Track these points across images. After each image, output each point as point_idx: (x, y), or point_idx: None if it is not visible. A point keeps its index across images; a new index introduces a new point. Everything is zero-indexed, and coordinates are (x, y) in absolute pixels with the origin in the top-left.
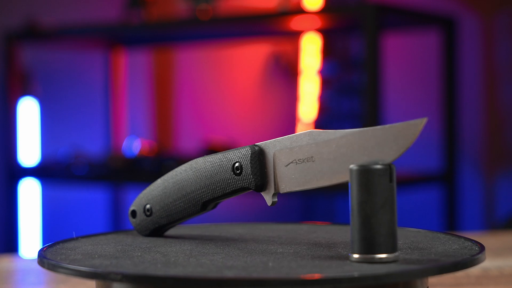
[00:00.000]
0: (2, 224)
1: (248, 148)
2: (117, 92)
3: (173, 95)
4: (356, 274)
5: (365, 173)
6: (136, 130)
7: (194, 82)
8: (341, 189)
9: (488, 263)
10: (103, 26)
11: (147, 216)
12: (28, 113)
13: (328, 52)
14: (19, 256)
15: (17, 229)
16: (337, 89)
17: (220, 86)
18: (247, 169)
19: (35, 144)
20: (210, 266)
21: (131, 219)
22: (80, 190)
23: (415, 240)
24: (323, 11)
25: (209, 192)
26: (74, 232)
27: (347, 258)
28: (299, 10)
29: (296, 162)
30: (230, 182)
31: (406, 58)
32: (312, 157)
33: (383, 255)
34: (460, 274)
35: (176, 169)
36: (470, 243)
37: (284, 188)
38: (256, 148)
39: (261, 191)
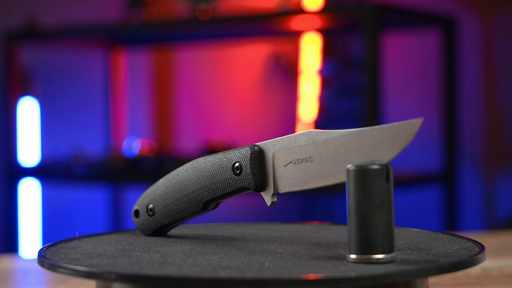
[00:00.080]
0: (2, 224)
1: (247, 148)
2: (117, 92)
3: (173, 95)
4: (353, 274)
5: (362, 173)
6: (136, 130)
7: (194, 82)
8: (341, 189)
9: (488, 263)
10: (103, 26)
11: (150, 216)
12: (28, 113)
13: (328, 52)
14: (19, 256)
15: (17, 229)
16: (337, 89)
17: (220, 86)
18: (247, 169)
19: (35, 144)
20: (205, 266)
21: (134, 219)
22: (80, 190)
23: (417, 241)
24: (323, 11)
25: (209, 192)
26: (76, 232)
27: (344, 258)
28: (299, 10)
29: (295, 162)
30: (230, 182)
31: (406, 58)
32: (310, 157)
33: (380, 256)
34: (460, 274)
35: (178, 169)
36: (471, 244)
37: (283, 188)
38: (256, 148)
39: (261, 191)
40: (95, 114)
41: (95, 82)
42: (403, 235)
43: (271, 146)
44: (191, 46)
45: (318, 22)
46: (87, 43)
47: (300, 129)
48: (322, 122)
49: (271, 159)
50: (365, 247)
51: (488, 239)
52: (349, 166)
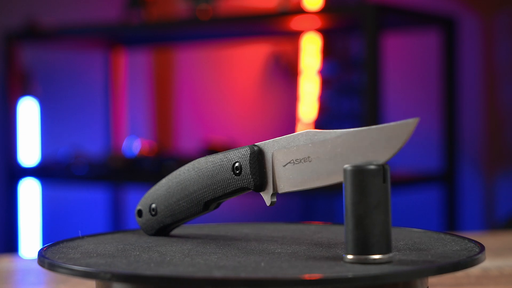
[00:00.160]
0: (2, 224)
1: (247, 148)
2: (117, 92)
3: (173, 95)
4: (348, 275)
5: (359, 173)
6: (136, 130)
7: (194, 82)
8: (340, 189)
9: (488, 263)
10: (103, 26)
11: (152, 215)
12: (28, 113)
13: (328, 52)
14: (19, 256)
15: (17, 229)
16: (337, 89)
17: (220, 86)
18: (246, 169)
19: (35, 144)
20: (202, 266)
21: (137, 219)
22: (80, 190)
23: (418, 241)
24: (323, 11)
25: (210, 192)
26: (79, 231)
27: (342, 259)
28: (299, 10)
29: (294, 162)
30: (230, 182)
31: (406, 58)
32: (309, 157)
33: (377, 256)
34: (460, 274)
35: (180, 169)
36: (472, 244)
37: (283, 188)
38: (255, 148)
39: (260, 191)
40: (95, 114)
41: (95, 82)
42: (405, 236)
43: (271, 146)
44: (191, 46)
45: (318, 22)
46: (87, 43)
47: (300, 129)
48: (322, 122)
49: (271, 159)
50: (362, 247)
51: (488, 239)
52: (346, 166)
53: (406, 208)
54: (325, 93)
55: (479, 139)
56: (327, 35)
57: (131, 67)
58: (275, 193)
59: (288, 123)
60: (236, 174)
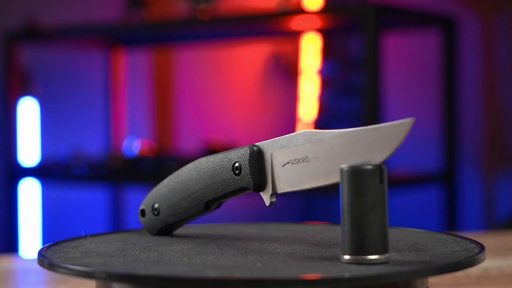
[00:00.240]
0: (2, 224)
1: (247, 148)
2: (117, 92)
3: (173, 95)
4: (346, 275)
5: (355, 173)
6: (136, 130)
7: (194, 82)
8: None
9: (488, 263)
10: (103, 26)
11: (155, 215)
12: (28, 113)
13: (328, 52)
14: (19, 256)
15: (17, 229)
16: (337, 89)
17: (220, 86)
18: (246, 169)
19: (35, 144)
20: (197, 266)
21: (140, 218)
22: (80, 190)
23: (420, 242)
24: (323, 11)
25: (211, 192)
26: (82, 231)
27: (339, 259)
28: (299, 10)
29: (292, 162)
30: (230, 182)
31: (406, 58)
32: (307, 157)
33: (373, 257)
34: (460, 274)
35: (182, 168)
36: (473, 245)
37: (282, 188)
38: (255, 148)
39: (260, 191)
40: (95, 114)
41: (95, 82)
42: (407, 236)
43: (270, 146)
44: (191, 46)
45: (318, 22)
46: (87, 43)
47: (300, 129)
48: (322, 122)
49: (270, 159)
50: (358, 247)
51: (488, 239)
52: (342, 166)
53: (406, 208)
54: (325, 93)
55: (479, 139)
56: (327, 35)
57: (131, 67)
58: (274, 193)
59: (288, 123)
60: (236, 174)
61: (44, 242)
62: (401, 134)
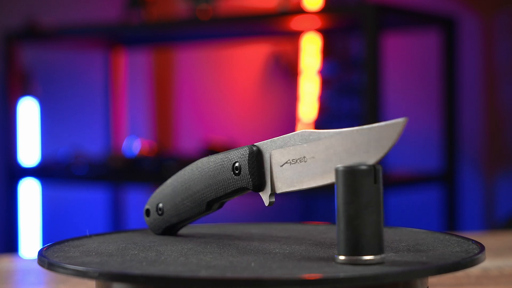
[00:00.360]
0: (2, 224)
1: (246, 148)
2: (117, 92)
3: (173, 95)
4: (341, 275)
5: (350, 174)
6: (136, 130)
7: (194, 82)
8: None
9: (488, 263)
10: (103, 26)
11: (159, 215)
12: (28, 113)
13: (328, 52)
14: (19, 256)
15: (17, 229)
16: (337, 89)
17: (220, 86)
18: (245, 169)
19: (35, 144)
20: (192, 265)
21: (145, 218)
22: (80, 190)
23: (420, 242)
24: (323, 11)
25: (212, 192)
26: (87, 231)
27: (334, 260)
28: (299, 10)
29: (290, 163)
30: (230, 182)
31: (406, 58)
32: (304, 157)
33: (368, 257)
34: (460, 274)
35: (184, 168)
36: (474, 246)
37: (280, 188)
38: (254, 148)
39: (259, 191)
40: (95, 114)
41: (95, 82)
42: (409, 236)
43: (268, 146)
44: (191, 46)
45: (318, 22)
46: (87, 43)
47: (299, 129)
48: (322, 122)
49: (269, 159)
50: (353, 248)
51: (488, 239)
52: (337, 166)
53: (406, 208)
54: (325, 93)
55: (479, 139)
56: (327, 35)
57: (131, 67)
58: (273, 193)
59: (288, 123)
60: (236, 174)
61: (44, 242)
62: (394, 134)
